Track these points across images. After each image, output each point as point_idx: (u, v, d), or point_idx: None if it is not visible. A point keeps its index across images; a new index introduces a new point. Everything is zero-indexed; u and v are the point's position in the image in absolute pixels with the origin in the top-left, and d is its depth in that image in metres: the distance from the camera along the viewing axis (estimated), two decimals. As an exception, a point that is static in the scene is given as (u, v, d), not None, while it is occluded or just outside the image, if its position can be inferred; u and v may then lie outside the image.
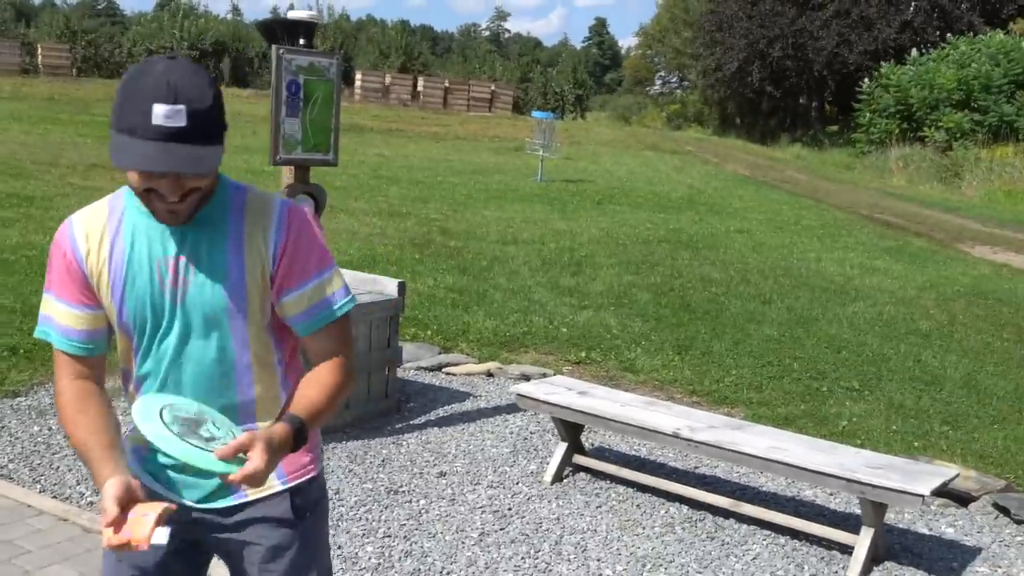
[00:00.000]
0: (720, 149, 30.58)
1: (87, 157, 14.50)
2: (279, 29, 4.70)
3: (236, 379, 1.83)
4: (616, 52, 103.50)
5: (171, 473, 1.88)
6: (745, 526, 4.16)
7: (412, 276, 8.42)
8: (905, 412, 5.88)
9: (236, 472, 1.61)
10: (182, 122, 1.61)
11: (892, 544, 4.06)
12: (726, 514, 4.24)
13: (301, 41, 4.69)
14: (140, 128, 1.60)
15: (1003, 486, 4.73)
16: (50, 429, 4.70)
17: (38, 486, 4.11)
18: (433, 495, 4.30)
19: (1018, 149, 23.28)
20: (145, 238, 1.78)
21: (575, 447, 4.63)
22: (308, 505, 1.95)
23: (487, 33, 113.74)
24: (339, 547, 3.73)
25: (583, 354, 6.69)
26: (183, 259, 1.77)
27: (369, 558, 3.67)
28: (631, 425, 4.25)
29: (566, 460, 4.59)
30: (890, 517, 4.22)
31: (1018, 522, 4.38)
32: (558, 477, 4.55)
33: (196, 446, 1.61)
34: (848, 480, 3.69)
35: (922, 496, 3.58)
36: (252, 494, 1.88)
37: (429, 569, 3.62)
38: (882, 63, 29.49)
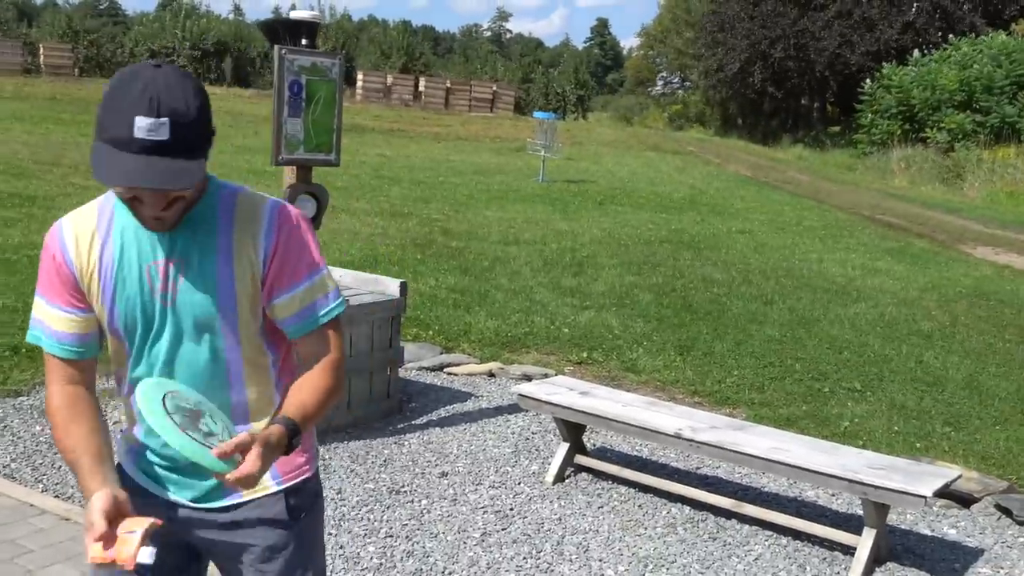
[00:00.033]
0: (722, 150, 30.58)
1: (89, 157, 14.50)
2: (281, 29, 4.71)
3: (230, 381, 1.83)
4: (618, 52, 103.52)
5: (165, 472, 1.88)
6: (747, 527, 4.16)
7: (414, 276, 8.42)
8: (907, 413, 5.87)
9: (231, 472, 1.60)
10: (165, 136, 1.58)
11: (894, 545, 4.06)
12: (728, 515, 4.23)
13: (303, 41, 4.69)
14: (122, 140, 1.58)
15: (1005, 487, 4.72)
16: (52, 429, 4.70)
17: (40, 485, 4.12)
18: (435, 495, 4.30)
19: (1020, 150, 23.25)
20: (135, 241, 1.77)
21: (577, 447, 4.63)
22: (303, 506, 1.94)
23: (489, 33, 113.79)
24: (341, 547, 3.74)
25: (585, 354, 6.69)
26: (173, 263, 1.76)
27: (371, 558, 3.67)
28: (633, 425, 4.25)
29: (568, 460, 4.59)
30: (892, 518, 4.22)
31: (1020, 523, 4.38)
32: (560, 477, 4.55)
33: (196, 440, 1.61)
34: (850, 481, 3.69)
35: (924, 497, 3.58)
36: (247, 494, 1.87)
37: (431, 569, 3.62)
38: (884, 64, 29.46)
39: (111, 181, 1.60)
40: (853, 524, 4.09)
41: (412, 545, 3.80)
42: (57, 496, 4.01)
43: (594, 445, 5.04)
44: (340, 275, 5.52)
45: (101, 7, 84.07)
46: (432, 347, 6.60)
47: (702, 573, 3.75)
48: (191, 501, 1.88)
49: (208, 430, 1.65)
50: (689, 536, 4.06)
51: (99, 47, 36.13)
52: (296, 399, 1.79)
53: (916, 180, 23.84)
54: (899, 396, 6.19)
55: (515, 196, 14.90)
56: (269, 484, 1.89)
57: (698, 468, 4.85)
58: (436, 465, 4.66)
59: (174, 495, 1.88)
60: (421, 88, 34.46)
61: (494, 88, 36.67)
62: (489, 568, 3.66)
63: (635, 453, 5.02)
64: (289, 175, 4.84)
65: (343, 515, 4.01)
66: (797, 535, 4.07)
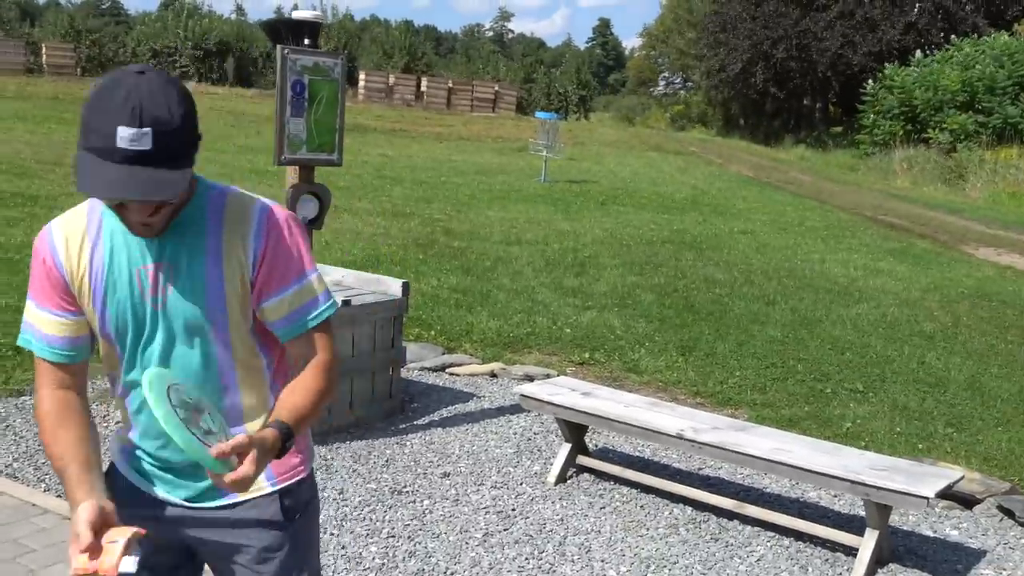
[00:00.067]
0: (724, 150, 30.57)
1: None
2: (284, 29, 4.71)
3: (223, 384, 1.83)
4: (620, 53, 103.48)
5: (160, 472, 1.88)
6: (749, 527, 4.15)
7: (416, 276, 8.42)
8: (909, 414, 5.87)
9: (227, 474, 1.60)
10: (147, 145, 1.56)
11: (896, 546, 4.06)
12: (730, 515, 4.23)
13: (306, 41, 4.69)
14: (104, 150, 1.57)
15: (1007, 488, 4.72)
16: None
17: (43, 485, 4.12)
18: (437, 495, 4.29)
19: (1022, 151, 23.23)
20: (124, 244, 1.77)
21: (579, 448, 4.63)
22: (298, 506, 1.94)
23: (491, 33, 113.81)
24: (343, 547, 3.74)
25: (587, 355, 6.69)
26: (162, 267, 1.76)
27: (373, 558, 3.67)
28: (635, 426, 4.25)
29: (570, 461, 4.59)
30: (894, 519, 4.21)
31: (1022, 524, 4.37)
32: (562, 478, 4.55)
33: (197, 437, 1.61)
34: (853, 482, 3.68)
35: (927, 498, 3.57)
36: (241, 495, 1.87)
37: (433, 569, 3.62)
38: (886, 64, 29.44)
39: (95, 192, 1.59)
40: (855, 525, 4.09)
41: (414, 545, 3.80)
42: (59, 496, 4.01)
43: (596, 446, 5.04)
44: (342, 275, 5.52)
45: (103, 7, 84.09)
46: (434, 347, 6.60)
47: (704, 574, 3.75)
48: (185, 500, 1.88)
49: (207, 428, 1.65)
50: (691, 537, 4.06)
51: (101, 47, 36.15)
52: (289, 401, 1.78)
53: (918, 181, 23.82)
54: (901, 397, 6.19)
55: (517, 196, 14.90)
56: (264, 485, 1.89)
57: (700, 469, 4.85)
58: (438, 465, 4.66)
59: (168, 495, 1.88)
60: (423, 88, 34.45)
61: (496, 88, 36.66)
62: (491, 568, 3.66)
63: (637, 454, 5.02)
64: (292, 175, 4.84)
65: (345, 515, 4.01)
66: (799, 536, 4.06)
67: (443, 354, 6.49)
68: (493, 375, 6.20)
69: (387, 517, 4.03)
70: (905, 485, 3.59)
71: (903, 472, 3.75)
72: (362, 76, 33.82)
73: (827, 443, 4.25)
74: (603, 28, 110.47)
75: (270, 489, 1.90)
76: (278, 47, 4.57)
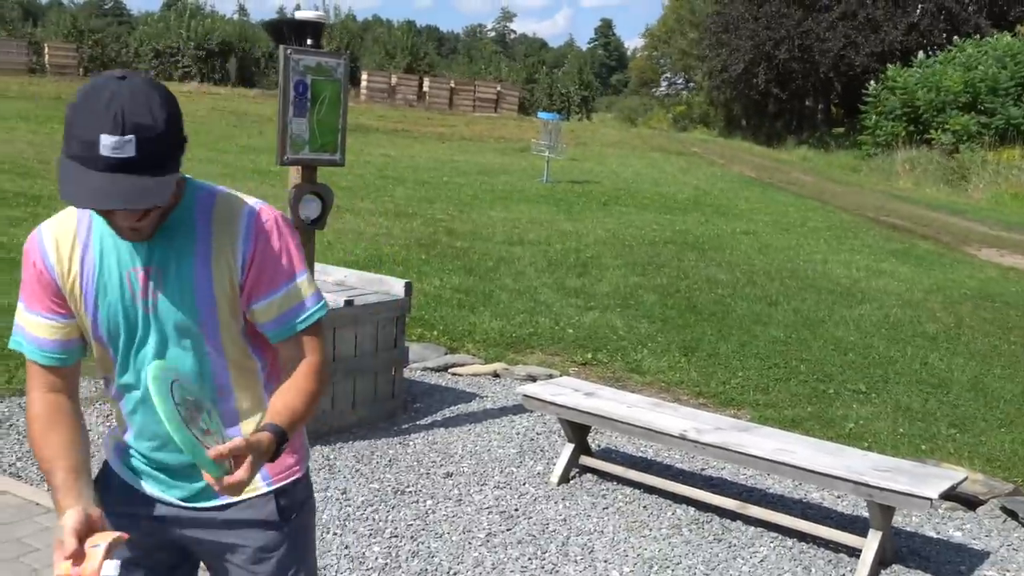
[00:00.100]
0: (726, 151, 30.55)
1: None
2: (286, 29, 4.71)
3: (218, 385, 1.83)
4: (622, 53, 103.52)
5: (155, 471, 1.88)
6: (752, 528, 4.15)
7: (418, 276, 8.42)
8: (912, 415, 5.87)
9: (222, 477, 1.59)
10: (131, 153, 1.54)
11: (899, 547, 4.06)
12: (733, 516, 4.23)
13: (308, 41, 4.69)
14: (88, 158, 1.54)
15: (1011, 490, 4.71)
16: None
17: (46, 484, 4.11)
18: (440, 495, 4.29)
19: (1025, 152, 23.23)
20: (114, 247, 1.76)
21: (581, 448, 4.63)
22: (294, 507, 1.94)
23: (493, 34, 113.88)
24: (346, 547, 3.74)
25: (589, 355, 6.69)
26: (152, 269, 1.75)
27: (376, 558, 3.67)
28: (638, 426, 4.25)
29: (572, 461, 4.59)
30: (897, 520, 4.21)
31: (1026, 526, 4.37)
32: (564, 478, 4.55)
33: (196, 437, 1.61)
34: (856, 483, 3.68)
35: (930, 499, 3.57)
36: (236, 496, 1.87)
37: (436, 569, 3.62)
38: (888, 65, 29.43)
39: (78, 202, 1.56)
40: (858, 526, 4.09)
41: (417, 545, 3.80)
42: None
43: (599, 446, 5.04)
44: (345, 275, 5.53)
45: (106, 7, 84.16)
46: (437, 347, 6.60)
47: (707, 574, 3.75)
48: (180, 500, 1.88)
49: (206, 427, 1.65)
50: (694, 537, 4.06)
51: (104, 47, 36.23)
52: (282, 403, 1.78)
53: (920, 181, 23.80)
54: (904, 398, 6.18)
55: (519, 196, 14.90)
56: (259, 485, 1.89)
57: (703, 469, 4.85)
58: (441, 465, 4.66)
59: (163, 494, 1.88)
60: (425, 88, 34.48)
61: (498, 88, 36.67)
62: (494, 568, 3.66)
63: (640, 454, 5.02)
64: (294, 175, 4.84)
65: (348, 515, 4.02)
66: (802, 537, 4.06)
67: (446, 354, 6.49)
68: (496, 375, 6.20)
69: (390, 517, 4.03)
70: (908, 486, 3.59)
71: (906, 473, 3.74)
72: (364, 76, 33.86)
73: (830, 444, 4.25)
74: (605, 29, 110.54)
75: (266, 489, 1.90)
76: (281, 47, 4.57)
